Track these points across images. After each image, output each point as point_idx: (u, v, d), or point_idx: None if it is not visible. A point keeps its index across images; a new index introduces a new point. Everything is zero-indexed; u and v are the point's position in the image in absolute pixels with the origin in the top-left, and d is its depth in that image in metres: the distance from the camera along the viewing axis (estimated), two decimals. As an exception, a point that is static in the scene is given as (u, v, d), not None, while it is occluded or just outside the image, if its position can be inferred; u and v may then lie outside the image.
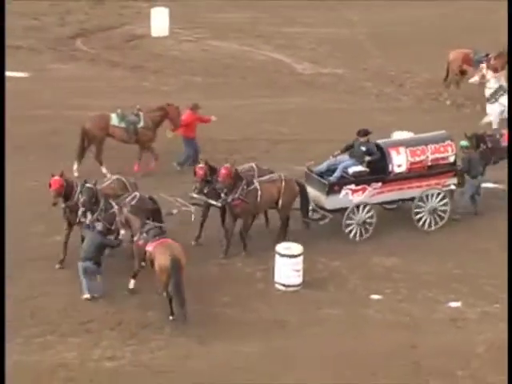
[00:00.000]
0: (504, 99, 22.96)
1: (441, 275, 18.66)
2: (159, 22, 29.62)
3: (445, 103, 24.94)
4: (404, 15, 30.52)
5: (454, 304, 17.91)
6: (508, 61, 24.16)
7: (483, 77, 23.56)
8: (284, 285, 18.16)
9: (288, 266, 18.11)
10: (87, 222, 17.93)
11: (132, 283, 17.71)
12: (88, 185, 18.18)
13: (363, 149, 19.75)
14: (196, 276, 18.32)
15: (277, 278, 18.21)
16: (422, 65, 24.36)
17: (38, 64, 27.52)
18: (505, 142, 20.85)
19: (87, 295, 17.47)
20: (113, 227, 18.02)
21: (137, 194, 18.34)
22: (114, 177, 18.97)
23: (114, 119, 21.88)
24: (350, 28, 29.92)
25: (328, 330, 17.16)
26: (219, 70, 27.22)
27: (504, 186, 21.49)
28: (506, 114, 23.02)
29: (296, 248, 18.22)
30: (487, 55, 24.34)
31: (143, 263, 17.62)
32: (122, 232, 17.73)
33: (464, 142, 20.30)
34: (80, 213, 18.04)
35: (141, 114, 21.94)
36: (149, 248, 17.26)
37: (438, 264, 19.01)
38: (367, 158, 19.64)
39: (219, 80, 26.24)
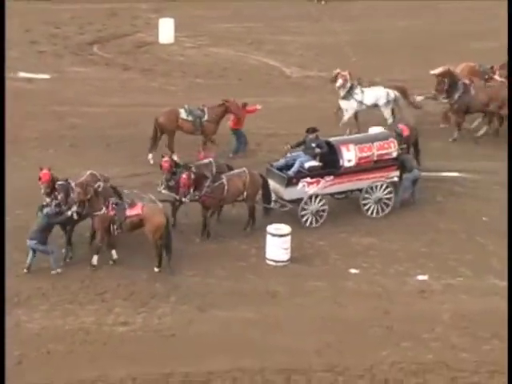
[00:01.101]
0: (359, 96, 22.78)
1: (411, 252, 18.67)
2: (166, 30, 29.58)
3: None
4: (382, 25, 30.46)
5: (421, 277, 17.92)
6: (508, 61, 23.82)
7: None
8: (274, 260, 18.16)
9: (278, 244, 18.10)
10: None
11: (96, 259, 17.63)
12: (60, 182, 17.86)
13: (313, 144, 19.71)
14: (197, 252, 18.41)
15: (268, 255, 18.21)
16: (397, 69, 24.33)
17: (60, 67, 27.46)
18: (406, 132, 20.68)
19: (59, 270, 17.46)
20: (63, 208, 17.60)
21: (101, 183, 17.93)
22: (88, 172, 18.48)
23: (183, 113, 21.82)
24: (334, 36, 29.85)
25: (312, 299, 17.19)
26: (219, 73, 27.20)
27: (466, 175, 21.58)
28: (364, 107, 22.89)
29: (285, 228, 18.21)
30: (492, 67, 23.80)
31: (118, 230, 17.60)
32: (74, 208, 17.38)
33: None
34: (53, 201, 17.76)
35: (205, 109, 21.90)
36: (133, 212, 17.39)
37: (408, 242, 19.02)
38: (317, 151, 19.57)
39: (219, 81, 26.22)
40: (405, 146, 20.53)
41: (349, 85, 22.77)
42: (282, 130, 23.08)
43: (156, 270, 17.67)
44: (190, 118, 21.84)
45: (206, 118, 21.90)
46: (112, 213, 17.50)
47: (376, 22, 30.69)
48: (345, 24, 30.77)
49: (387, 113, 22.95)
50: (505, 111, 22.66)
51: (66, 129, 23.47)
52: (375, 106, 23.01)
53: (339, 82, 22.75)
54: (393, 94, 22.89)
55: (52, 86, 26.06)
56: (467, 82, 22.84)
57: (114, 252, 17.83)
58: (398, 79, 24.46)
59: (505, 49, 25.32)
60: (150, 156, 21.40)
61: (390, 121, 22.85)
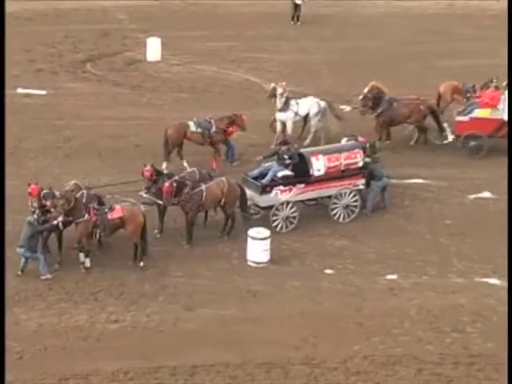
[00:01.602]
0: (294, 107, 22.77)
1: (381, 253, 18.71)
2: (153, 49, 29.52)
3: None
4: (350, 45, 30.56)
5: (390, 276, 17.95)
6: (508, 62, 23.61)
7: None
8: (255, 262, 18.14)
9: (258, 246, 18.10)
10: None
11: (88, 261, 17.57)
12: (46, 190, 17.69)
13: (285, 156, 19.71)
14: (184, 255, 18.40)
15: (249, 256, 18.20)
16: (363, 85, 24.31)
17: (56, 83, 27.35)
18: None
19: (48, 276, 17.30)
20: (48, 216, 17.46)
21: (84, 191, 17.92)
22: (72, 182, 18.40)
23: (192, 126, 21.75)
24: (307, 55, 29.90)
25: (290, 297, 17.21)
26: (202, 88, 27.14)
27: (430, 181, 21.62)
28: (298, 117, 22.89)
29: (265, 232, 18.22)
30: (474, 86, 23.74)
31: (102, 233, 17.62)
32: (60, 219, 17.27)
33: (366, 158, 20.14)
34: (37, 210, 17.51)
35: (212, 121, 21.85)
36: (116, 215, 17.44)
37: (378, 245, 19.06)
38: (288, 161, 19.55)
39: (202, 96, 26.16)
40: (377, 155, 20.58)
41: (285, 97, 22.72)
42: (262, 141, 23.07)
43: (141, 264, 17.64)
44: (199, 130, 21.79)
45: (213, 129, 21.86)
46: (94, 218, 17.44)
47: (346, 43, 30.77)
48: (318, 44, 30.83)
49: (317, 121, 22.92)
50: (423, 124, 22.87)
51: (61, 140, 23.39)
52: (307, 115, 23.02)
53: (279, 91, 22.64)
54: (322, 103, 22.94)
55: (48, 101, 25.96)
56: (391, 97, 22.93)
57: (87, 260, 17.66)
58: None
59: (466, 67, 25.43)
60: (164, 165, 21.20)
61: (313, 129, 22.92)
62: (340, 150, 20.04)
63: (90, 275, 17.51)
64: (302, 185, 19.58)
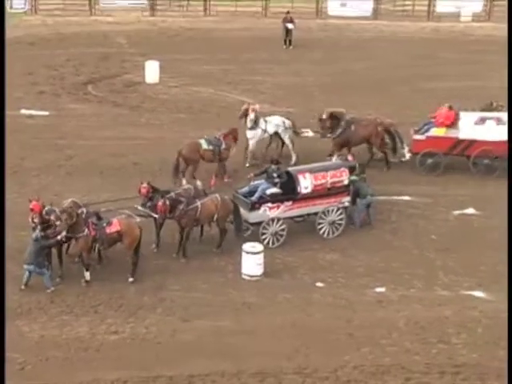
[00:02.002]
0: (263, 125, 22.92)
1: (369, 267, 18.72)
2: (152, 72, 29.66)
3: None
4: (340, 68, 30.76)
5: (379, 289, 17.96)
6: (508, 63, 23.52)
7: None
8: (249, 275, 18.15)
9: (252, 260, 18.12)
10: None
11: (88, 275, 17.56)
12: (48, 207, 17.69)
13: (275, 174, 19.80)
14: (180, 269, 18.40)
15: (244, 270, 18.21)
16: (352, 105, 24.48)
17: (58, 104, 27.45)
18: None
19: (51, 288, 17.27)
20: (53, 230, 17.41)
21: (83, 209, 17.86)
22: (70, 200, 18.25)
23: (204, 144, 21.76)
24: (300, 77, 30.10)
25: (283, 309, 17.20)
26: (199, 109, 27.27)
27: (416, 198, 21.65)
28: (266, 135, 23.02)
29: (258, 247, 18.25)
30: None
31: (101, 247, 17.65)
32: (63, 233, 17.28)
33: (353, 177, 20.19)
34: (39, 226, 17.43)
35: (221, 138, 21.93)
36: (114, 229, 17.47)
37: (367, 258, 19.07)
38: (276, 180, 19.64)
39: (199, 116, 26.29)
40: (364, 174, 20.68)
41: (255, 116, 22.85)
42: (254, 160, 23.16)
43: (131, 279, 17.64)
44: (211, 148, 21.83)
45: (223, 146, 21.95)
46: (94, 233, 17.48)
47: (336, 65, 30.98)
48: (310, 67, 31.04)
49: (287, 138, 23.10)
50: (379, 145, 22.88)
51: (63, 159, 23.44)
52: (275, 133, 23.14)
53: (252, 115, 22.76)
54: (288, 122, 23.10)
55: (51, 122, 26.04)
56: (349, 119, 23.08)
57: (87, 274, 17.64)
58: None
59: (452, 89, 25.53)
60: (184, 181, 21.18)
61: (290, 146, 23.07)
62: (326, 169, 20.10)
63: (90, 289, 17.51)
64: (290, 202, 19.60)
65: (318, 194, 19.75)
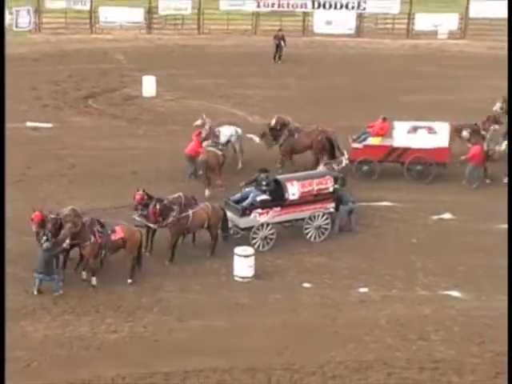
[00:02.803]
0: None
1: (354, 269, 18.71)
2: (149, 86, 29.65)
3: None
4: (326, 82, 30.76)
5: (362, 289, 17.97)
6: (508, 62, 23.49)
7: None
8: (241, 277, 18.14)
9: (244, 263, 18.11)
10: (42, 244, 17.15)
11: (94, 280, 17.43)
12: (52, 215, 17.51)
13: (264, 182, 19.82)
14: (176, 272, 18.37)
15: (236, 272, 18.19)
16: (337, 117, 24.55)
17: (61, 117, 27.42)
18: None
19: (59, 292, 17.18)
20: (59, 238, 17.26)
21: (87, 218, 17.71)
22: (70, 207, 17.91)
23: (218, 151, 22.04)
24: (288, 91, 30.14)
25: (273, 309, 17.20)
26: (193, 121, 27.11)
27: (397, 204, 21.71)
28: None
29: (249, 250, 18.26)
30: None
31: (107, 253, 17.57)
32: (68, 241, 17.20)
33: (336, 185, 20.20)
34: (45, 237, 17.26)
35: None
36: (118, 236, 17.42)
37: (352, 261, 19.08)
38: (264, 188, 19.65)
39: (194, 128, 26.17)
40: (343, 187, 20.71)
41: (209, 127, 22.85)
42: (246, 168, 23.09)
43: (129, 281, 17.60)
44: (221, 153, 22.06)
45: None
46: (100, 240, 17.39)
47: (322, 80, 30.99)
48: (297, 81, 31.08)
49: (238, 147, 23.22)
50: (318, 151, 22.92)
51: (65, 168, 23.39)
52: (228, 142, 23.17)
53: (206, 126, 22.86)
54: (239, 130, 23.16)
55: (54, 133, 26.01)
56: (293, 128, 23.17)
57: (94, 279, 17.54)
58: (339, 126, 24.62)
59: (429, 102, 25.59)
60: (207, 192, 21.33)
61: (239, 154, 23.16)
62: (312, 177, 20.12)
63: (91, 291, 17.47)
64: (279, 208, 19.58)
65: (304, 200, 19.75)
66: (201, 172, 22.12)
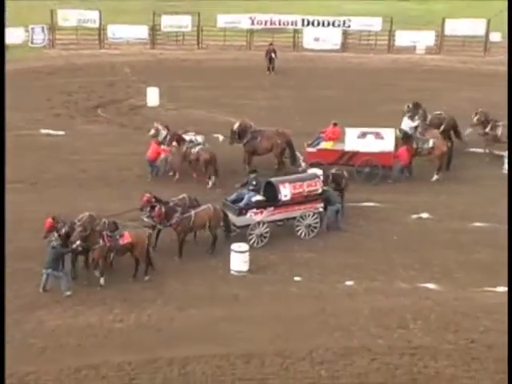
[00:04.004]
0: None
1: (340, 264, 18.70)
2: (152, 96, 29.63)
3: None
4: (314, 94, 30.75)
5: (348, 283, 17.98)
6: (508, 62, 23.54)
7: None
8: (237, 271, 18.13)
9: (239, 258, 18.10)
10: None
11: (103, 280, 17.25)
12: (63, 219, 17.40)
13: (254, 182, 19.87)
14: (178, 267, 18.34)
15: (232, 267, 18.19)
16: (325, 125, 24.43)
17: (72, 125, 27.36)
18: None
19: (68, 292, 16.94)
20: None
21: (105, 220, 17.69)
22: (87, 213, 17.87)
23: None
24: (279, 101, 30.13)
25: (266, 301, 17.20)
26: (193, 129, 27.15)
27: (381, 204, 21.74)
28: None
29: (245, 246, 18.25)
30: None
31: (115, 256, 17.43)
32: (78, 243, 17.09)
33: (324, 187, 20.19)
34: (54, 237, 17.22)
35: None
36: (126, 240, 17.24)
37: (339, 257, 19.06)
38: (252, 187, 19.69)
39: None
40: (333, 184, 20.68)
41: (165, 133, 22.80)
42: (241, 171, 23.13)
43: (146, 278, 17.54)
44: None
45: None
46: (108, 244, 17.25)
47: (310, 91, 31.00)
48: (287, 92, 31.07)
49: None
50: (278, 154, 23.02)
51: (76, 172, 23.31)
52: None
53: (163, 132, 22.79)
54: (199, 137, 23.10)
55: (66, 140, 25.96)
56: (256, 131, 23.27)
57: (102, 279, 17.38)
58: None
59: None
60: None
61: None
62: (303, 179, 20.11)
63: (99, 289, 17.30)
64: (272, 208, 19.57)
65: (296, 201, 19.74)
66: (161, 172, 22.44)
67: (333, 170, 21.21)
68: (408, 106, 24.73)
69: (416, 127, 24.05)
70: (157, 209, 18.27)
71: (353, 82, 32.12)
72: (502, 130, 24.31)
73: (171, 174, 22.73)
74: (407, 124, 24.07)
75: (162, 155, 22.74)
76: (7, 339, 15.04)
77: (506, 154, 24.24)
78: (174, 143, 22.80)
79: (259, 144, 23.13)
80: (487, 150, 24.78)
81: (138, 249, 17.44)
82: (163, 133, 22.92)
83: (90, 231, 17.13)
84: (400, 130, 23.47)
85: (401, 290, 17.72)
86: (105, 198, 21.24)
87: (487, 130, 24.47)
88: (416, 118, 24.32)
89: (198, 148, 22.54)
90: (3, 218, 17.85)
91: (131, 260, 17.81)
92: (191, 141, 22.86)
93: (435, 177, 23.08)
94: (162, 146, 22.88)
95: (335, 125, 23.59)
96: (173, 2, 40.79)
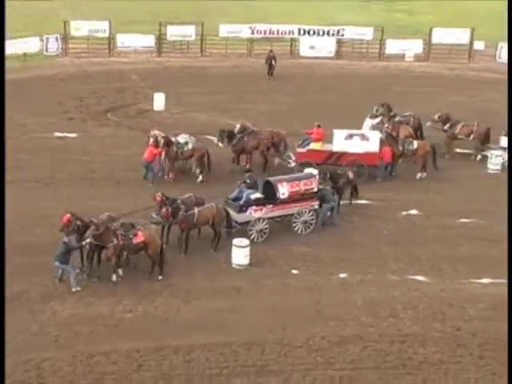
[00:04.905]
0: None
1: (335, 258, 18.70)
2: (159, 101, 29.54)
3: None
4: (310, 98, 30.65)
5: (342, 275, 17.99)
6: (508, 61, 23.63)
7: None
8: (238, 264, 18.13)
9: (240, 252, 18.10)
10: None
11: (115, 277, 17.14)
12: (79, 217, 17.26)
13: (248, 180, 19.88)
14: (183, 261, 18.34)
15: (234, 260, 18.18)
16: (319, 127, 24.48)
17: (84, 128, 27.29)
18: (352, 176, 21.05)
19: (77, 288, 16.78)
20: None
21: (121, 220, 17.59)
22: (106, 213, 17.80)
23: None
24: (278, 105, 30.09)
25: (266, 293, 17.21)
26: (197, 131, 27.14)
27: (372, 202, 21.72)
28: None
29: (245, 241, 18.25)
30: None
31: (129, 254, 17.28)
32: (88, 240, 16.98)
33: (320, 186, 20.11)
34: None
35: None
36: (139, 240, 17.07)
37: (333, 251, 19.06)
38: (247, 185, 19.69)
39: (197, 137, 26.08)
40: (331, 183, 20.67)
41: (160, 136, 22.76)
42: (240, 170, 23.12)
43: (160, 277, 17.27)
44: None
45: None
46: (122, 243, 17.14)
47: (306, 96, 30.92)
48: (285, 97, 31.01)
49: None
50: (262, 152, 23.18)
51: (86, 172, 23.26)
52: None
53: (160, 139, 22.65)
54: (192, 138, 23.15)
55: (78, 142, 25.90)
56: (253, 132, 23.46)
57: (114, 276, 17.19)
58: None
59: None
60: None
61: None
62: (300, 178, 20.09)
63: (111, 285, 17.19)
64: (271, 205, 19.57)
65: (293, 198, 19.72)
66: (159, 175, 22.42)
67: (338, 170, 21.23)
68: (377, 110, 25.23)
69: (382, 123, 24.52)
70: (164, 210, 18.23)
71: (346, 88, 32.07)
72: (459, 129, 24.73)
73: (165, 176, 22.55)
74: (368, 123, 24.48)
75: (162, 156, 22.73)
76: (24, 329, 15.10)
77: (489, 154, 24.33)
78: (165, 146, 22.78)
79: (247, 143, 23.37)
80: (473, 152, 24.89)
81: (151, 248, 17.28)
82: (160, 139, 22.84)
83: (104, 230, 17.05)
84: (383, 132, 23.57)
85: (391, 282, 17.73)
86: (112, 196, 21.23)
87: (446, 127, 24.96)
88: (378, 114, 24.88)
89: (190, 145, 22.77)
90: (3, 218, 17.62)
91: (138, 257, 17.72)
92: (186, 142, 22.96)
93: (419, 174, 23.25)
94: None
95: (319, 126, 23.83)
96: (178, 13, 40.72)
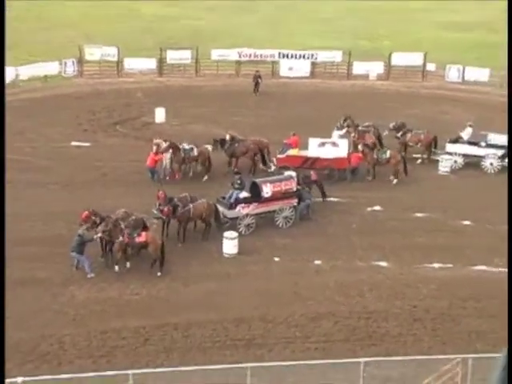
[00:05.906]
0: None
1: (312, 247, 18.68)
2: (160, 115, 29.38)
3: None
4: (290, 112, 30.56)
5: (317, 262, 18.00)
6: (508, 61, 23.55)
7: None
8: (228, 253, 18.10)
9: (230, 243, 18.07)
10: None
11: (117, 267, 16.99)
12: (95, 214, 17.11)
13: (238, 181, 19.86)
14: (180, 251, 18.26)
15: (224, 250, 18.15)
16: (301, 138, 24.43)
17: (96, 138, 27.13)
18: (313, 177, 20.95)
19: (92, 275, 16.68)
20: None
21: (133, 216, 17.48)
22: (122, 210, 17.71)
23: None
24: (262, 118, 29.91)
25: (252, 277, 17.20)
26: (194, 141, 27.08)
27: (343, 199, 21.75)
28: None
29: (234, 234, 18.24)
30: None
31: (132, 251, 17.12)
32: (98, 235, 16.91)
33: (298, 186, 20.17)
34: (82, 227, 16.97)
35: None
36: (142, 239, 16.92)
37: (310, 241, 19.03)
38: (236, 186, 19.66)
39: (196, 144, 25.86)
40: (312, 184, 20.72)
41: (165, 144, 22.79)
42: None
43: (159, 274, 17.02)
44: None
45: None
46: (127, 240, 17.03)
47: (286, 111, 30.83)
48: (268, 111, 30.90)
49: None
50: (251, 157, 23.21)
51: (99, 176, 23.14)
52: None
53: (162, 145, 22.67)
54: (187, 146, 23.06)
55: (91, 150, 25.72)
56: (240, 140, 23.49)
57: (116, 267, 17.00)
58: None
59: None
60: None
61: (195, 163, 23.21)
62: (281, 180, 20.11)
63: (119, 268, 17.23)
64: (256, 203, 19.57)
65: (275, 197, 19.72)
66: (162, 177, 22.35)
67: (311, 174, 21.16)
68: (341, 123, 25.21)
69: (348, 133, 24.54)
70: (165, 209, 18.17)
71: (320, 103, 32.07)
72: (409, 137, 24.79)
73: (167, 178, 22.52)
74: (336, 134, 24.49)
75: (163, 160, 22.70)
76: (47, 308, 15.01)
77: (440, 158, 24.46)
78: (170, 151, 22.72)
79: (237, 148, 23.47)
80: (425, 156, 24.96)
81: (151, 247, 17.17)
82: (164, 144, 22.81)
83: (112, 227, 16.97)
84: (363, 144, 23.46)
85: (359, 267, 17.79)
86: (121, 196, 21.11)
87: (398, 135, 25.06)
88: (344, 126, 24.85)
89: (195, 150, 22.91)
90: (3, 218, 17.01)
91: (143, 254, 17.53)
92: (191, 148, 23.09)
93: (395, 180, 22.96)
94: (165, 155, 22.81)
95: (294, 134, 23.93)
96: (176, 40, 40.60)
